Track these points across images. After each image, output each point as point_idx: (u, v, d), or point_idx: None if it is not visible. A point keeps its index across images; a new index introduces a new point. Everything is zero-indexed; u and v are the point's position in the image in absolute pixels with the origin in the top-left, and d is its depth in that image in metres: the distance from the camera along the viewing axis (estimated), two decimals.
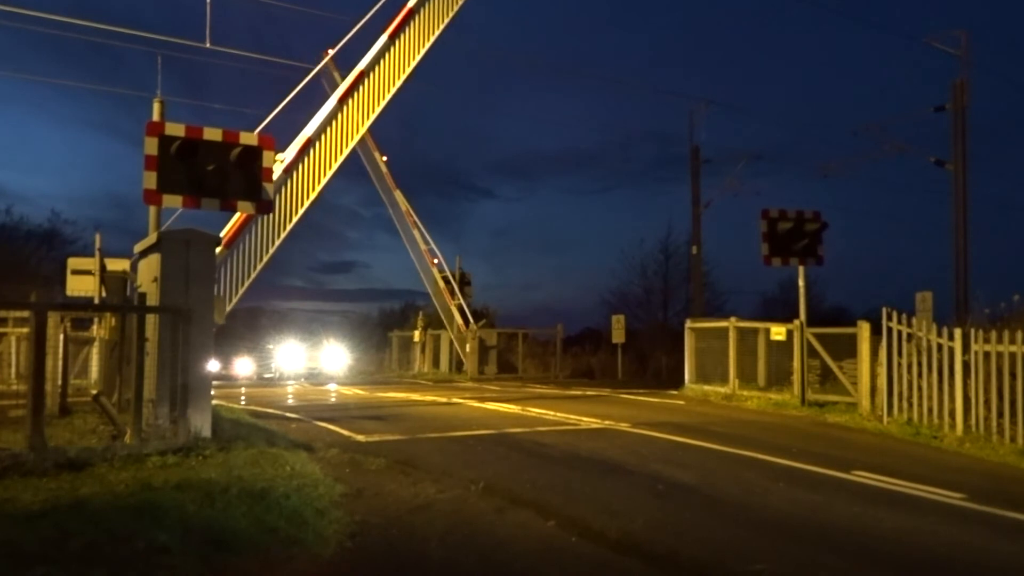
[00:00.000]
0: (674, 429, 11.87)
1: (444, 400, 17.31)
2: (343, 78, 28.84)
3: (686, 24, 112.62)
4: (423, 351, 31.57)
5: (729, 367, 17.84)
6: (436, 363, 30.70)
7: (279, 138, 15.47)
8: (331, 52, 27.60)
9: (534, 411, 14.42)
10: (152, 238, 9.29)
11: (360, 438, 10.71)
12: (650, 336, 32.83)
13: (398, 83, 20.28)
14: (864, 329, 14.10)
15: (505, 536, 5.91)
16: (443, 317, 29.99)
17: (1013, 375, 10.65)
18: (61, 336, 11.40)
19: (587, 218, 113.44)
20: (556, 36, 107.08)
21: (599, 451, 9.84)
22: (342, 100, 19.11)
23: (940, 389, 11.82)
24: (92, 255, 15.68)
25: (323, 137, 18.63)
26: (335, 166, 18.81)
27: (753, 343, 17.71)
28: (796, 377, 15.66)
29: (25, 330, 10.94)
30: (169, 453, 7.69)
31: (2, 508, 5.60)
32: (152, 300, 8.86)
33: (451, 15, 21.33)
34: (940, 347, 11.87)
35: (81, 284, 15.65)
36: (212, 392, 9.42)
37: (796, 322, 15.79)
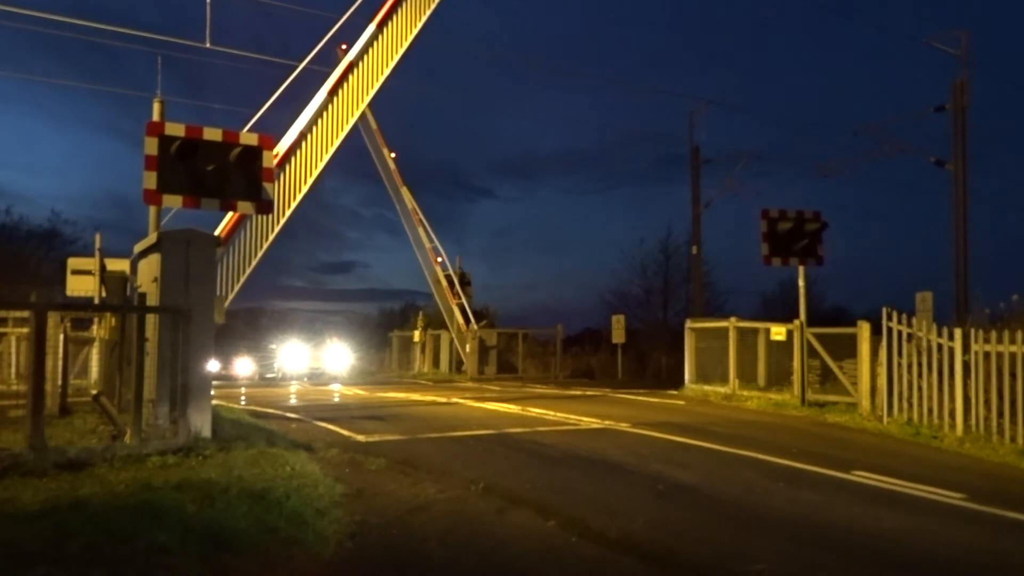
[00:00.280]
0: (674, 429, 11.87)
1: (444, 400, 17.31)
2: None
3: (686, 24, 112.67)
4: (423, 351, 31.58)
5: (729, 367, 17.84)
6: (436, 363, 30.71)
7: (276, 135, 15.49)
8: (345, 47, 27.96)
9: (534, 411, 14.42)
10: (152, 238, 9.29)
11: (360, 438, 10.71)
12: (650, 336, 32.82)
13: (387, 71, 20.27)
14: (864, 329, 14.10)
15: (505, 536, 5.91)
16: (445, 316, 30.01)
17: (1013, 375, 10.65)
18: (61, 336, 11.39)
19: (587, 218, 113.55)
20: (556, 36, 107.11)
21: (599, 451, 9.84)
22: (332, 92, 19.06)
23: (940, 389, 11.82)
24: (92, 255, 15.68)
25: (314, 129, 18.60)
26: (326, 158, 18.77)
27: (753, 343, 17.71)
28: (796, 377, 15.66)
29: (25, 330, 10.94)
30: (169, 453, 7.68)
31: (2, 508, 5.60)
32: (152, 300, 8.86)
33: (437, 1, 21.32)
34: (940, 347, 11.86)
35: (81, 284, 15.65)
36: (212, 392, 9.42)
37: (796, 322, 15.79)
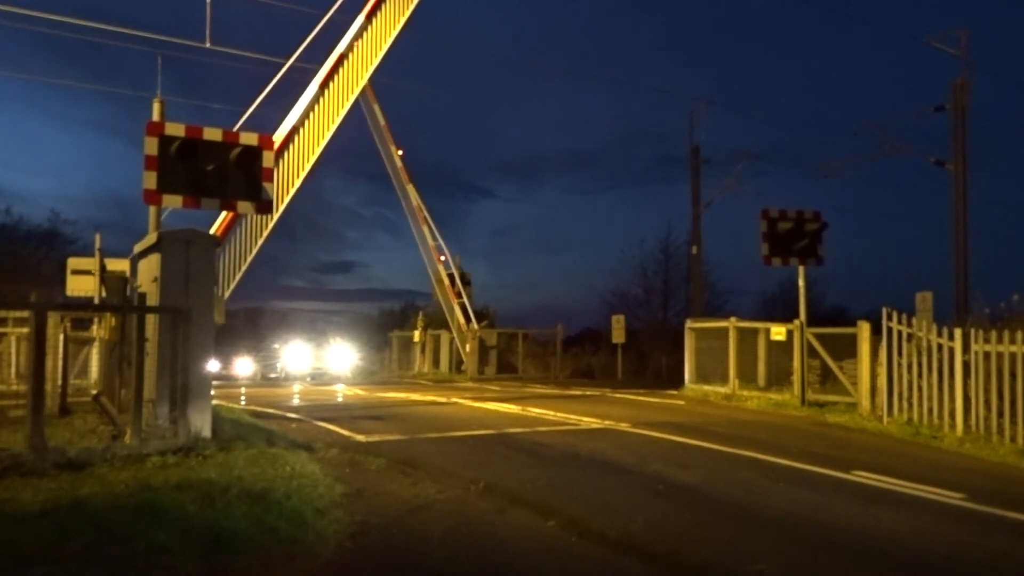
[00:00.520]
0: (674, 429, 11.87)
1: (444, 400, 17.31)
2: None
3: (686, 24, 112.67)
4: (423, 351, 31.57)
5: (729, 367, 17.84)
6: (436, 363, 30.70)
7: (270, 133, 15.45)
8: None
9: (534, 411, 14.42)
10: (152, 238, 9.29)
11: (360, 438, 10.71)
12: (650, 336, 32.81)
13: (375, 61, 20.21)
14: (864, 329, 14.10)
15: (505, 536, 5.91)
16: (446, 314, 30.03)
17: (1013, 375, 10.65)
18: (61, 336, 11.40)
19: (587, 218, 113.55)
20: (556, 36, 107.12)
21: (599, 451, 9.84)
22: (323, 85, 19.00)
23: (940, 389, 11.82)
24: (92, 255, 15.69)
25: (306, 124, 18.53)
26: (318, 151, 18.69)
27: (753, 343, 17.71)
28: (796, 377, 15.66)
29: (25, 330, 10.94)
30: (169, 453, 7.68)
31: (2, 508, 5.60)
32: (152, 300, 8.86)
33: None
34: (940, 347, 11.86)
35: (81, 284, 15.67)
36: (212, 392, 9.42)
37: (796, 322, 15.79)
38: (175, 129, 9.50)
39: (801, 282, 16.04)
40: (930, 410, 11.98)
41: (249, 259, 17.64)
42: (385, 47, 20.41)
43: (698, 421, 13.27)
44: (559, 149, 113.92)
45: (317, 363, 30.03)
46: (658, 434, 11.37)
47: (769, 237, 15.65)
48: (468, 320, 29.36)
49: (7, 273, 27.84)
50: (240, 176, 9.81)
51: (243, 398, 17.61)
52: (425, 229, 29.90)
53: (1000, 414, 10.84)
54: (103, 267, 15.12)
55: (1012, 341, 10.70)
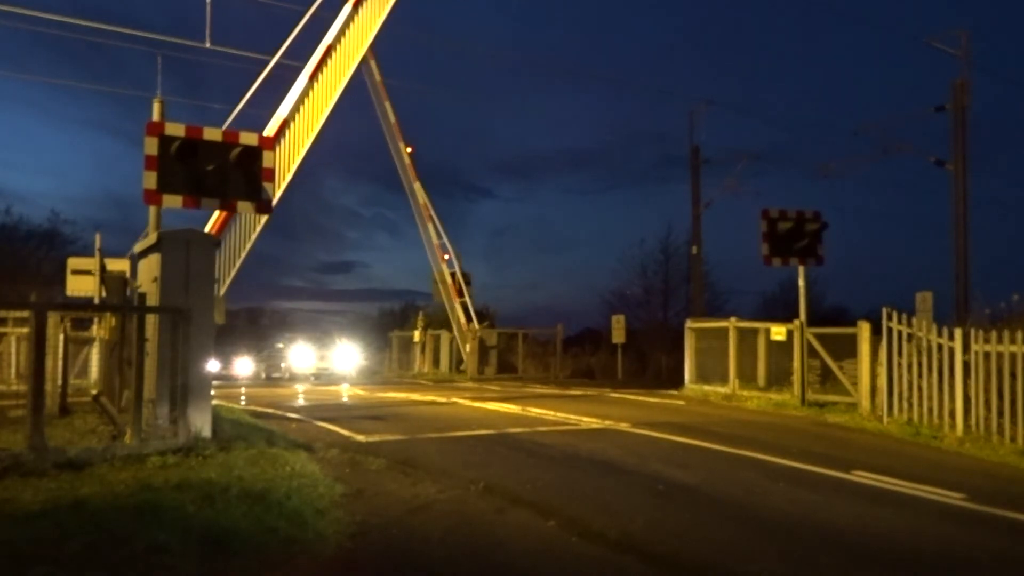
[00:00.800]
0: (674, 429, 11.87)
1: (444, 400, 17.31)
2: (379, 66, 29.60)
3: (687, 24, 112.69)
4: (423, 351, 31.56)
5: (729, 367, 17.83)
6: (436, 363, 30.70)
7: (261, 130, 15.40)
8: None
9: (534, 411, 14.42)
10: (152, 238, 9.29)
11: (360, 438, 10.71)
12: (650, 336, 32.81)
13: (363, 48, 20.16)
14: (864, 329, 14.10)
15: (505, 536, 5.91)
16: (448, 313, 30.04)
17: (1013, 375, 10.65)
18: (61, 336, 11.40)
19: (587, 218, 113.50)
20: (556, 36, 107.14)
21: (599, 451, 9.84)
22: (312, 76, 18.93)
23: (940, 389, 11.82)
24: (92, 255, 15.69)
25: (297, 117, 18.45)
26: (307, 144, 18.62)
27: (753, 343, 17.71)
28: (796, 377, 15.66)
29: (25, 330, 10.94)
30: (169, 453, 7.68)
31: (2, 508, 5.61)
32: (152, 300, 8.86)
33: None
34: (940, 347, 11.86)
35: (81, 284, 15.67)
36: (212, 392, 9.42)
37: (796, 322, 15.79)
38: (175, 129, 9.50)
39: (801, 282, 16.04)
40: (930, 410, 11.98)
41: (243, 255, 17.60)
42: (372, 34, 20.30)
43: (698, 421, 13.27)
44: (559, 149, 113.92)
45: (322, 363, 29.73)
46: (658, 434, 11.37)
47: (769, 237, 15.65)
48: (469, 319, 29.38)
49: (7, 273, 27.85)
50: (240, 176, 9.81)
51: (243, 398, 17.61)
52: (430, 227, 30.02)
53: (1000, 414, 10.84)
54: (103, 267, 15.11)
55: (1012, 341, 10.70)
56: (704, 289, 31.74)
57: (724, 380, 17.96)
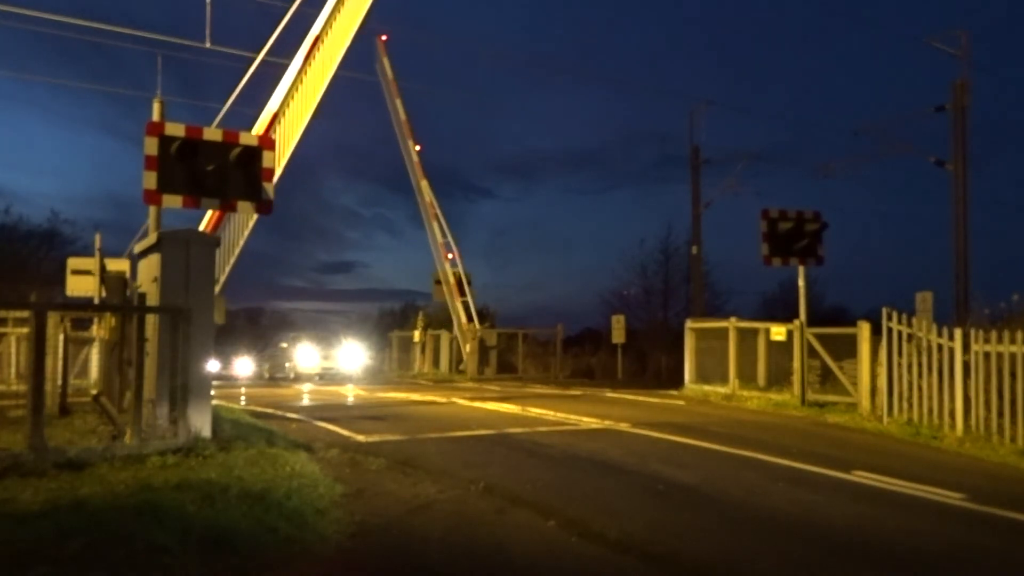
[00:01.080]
0: (674, 429, 11.87)
1: (444, 400, 17.31)
2: (392, 64, 29.67)
3: (686, 24, 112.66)
4: (423, 351, 31.55)
5: (729, 367, 17.83)
6: (436, 363, 30.69)
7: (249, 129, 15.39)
8: (385, 38, 28.47)
9: (534, 411, 14.42)
10: (152, 238, 9.29)
11: (360, 438, 10.71)
12: (650, 336, 32.81)
13: (350, 36, 20.10)
14: (864, 329, 14.10)
15: (505, 536, 5.91)
16: (451, 312, 30.05)
17: (1013, 375, 10.65)
18: (61, 336, 11.40)
19: (587, 218, 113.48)
20: (556, 36, 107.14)
21: (599, 451, 9.84)
22: (301, 69, 18.89)
23: (940, 389, 11.83)
24: (92, 255, 15.69)
25: (287, 111, 18.39)
26: (296, 137, 18.58)
27: (753, 343, 17.70)
28: (796, 377, 15.66)
29: (25, 330, 10.94)
30: (169, 453, 7.68)
31: (2, 508, 5.60)
32: (152, 300, 8.86)
33: None
34: (940, 347, 11.86)
35: (81, 284, 15.67)
36: (212, 392, 9.42)
37: (796, 322, 15.79)
38: (175, 129, 9.50)
39: (801, 282, 16.04)
40: (930, 410, 11.98)
41: (236, 252, 17.57)
42: (358, 22, 20.21)
43: (698, 421, 13.27)
44: (559, 149, 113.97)
45: (327, 362, 29.18)
46: (658, 434, 11.37)
47: (769, 237, 15.65)
48: (470, 319, 29.39)
49: (7, 273, 27.87)
50: (240, 176, 9.81)
51: (243, 398, 17.61)
52: (435, 225, 30.09)
53: (1000, 414, 10.84)
54: (103, 267, 15.11)
55: (1012, 341, 10.70)
56: (704, 289, 31.74)
57: (724, 380, 17.96)
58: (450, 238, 30.16)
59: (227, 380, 26.19)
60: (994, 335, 11.02)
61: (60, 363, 11.22)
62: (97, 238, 15.44)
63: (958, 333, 11.57)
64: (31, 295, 12.65)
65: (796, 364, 15.67)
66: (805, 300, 15.95)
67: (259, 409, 14.45)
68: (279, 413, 14.09)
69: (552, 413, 14.04)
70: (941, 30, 31.98)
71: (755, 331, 17.85)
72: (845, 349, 14.72)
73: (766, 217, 15.71)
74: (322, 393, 20.44)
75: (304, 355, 29.18)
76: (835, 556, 5.64)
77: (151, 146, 9.30)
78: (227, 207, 10.22)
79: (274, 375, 28.85)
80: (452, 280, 29.93)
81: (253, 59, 18.64)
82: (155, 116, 11.11)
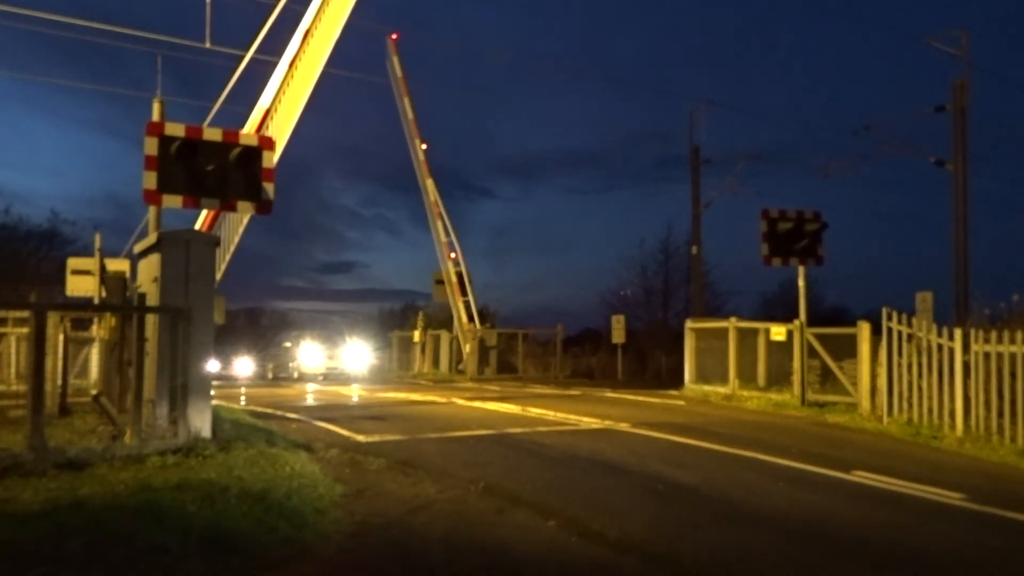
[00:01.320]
0: (674, 429, 11.87)
1: (444, 400, 17.31)
2: (402, 63, 29.82)
3: (686, 24, 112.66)
4: (423, 351, 31.53)
5: (729, 367, 17.83)
6: (436, 363, 30.68)
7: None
8: (395, 37, 28.60)
9: (534, 411, 14.42)
10: (152, 238, 9.29)
11: (360, 438, 10.71)
12: (650, 336, 32.81)
13: (338, 29, 20.11)
14: (864, 329, 14.10)
15: (505, 536, 5.91)
16: (453, 311, 30.06)
17: (1013, 375, 10.65)
18: (61, 336, 11.40)
19: (587, 218, 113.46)
20: (556, 36, 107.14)
21: (599, 451, 9.84)
22: (292, 63, 18.86)
23: (940, 389, 11.82)
24: (92, 255, 15.68)
25: (279, 108, 18.35)
26: (288, 132, 18.54)
27: (753, 343, 17.70)
28: (796, 377, 15.66)
29: (25, 330, 10.94)
30: (169, 453, 7.68)
31: (2, 508, 5.60)
32: (152, 300, 8.86)
33: None
34: (940, 347, 11.86)
35: (81, 284, 15.67)
36: (212, 392, 9.42)
37: (796, 322, 15.79)
38: (175, 129, 9.50)
39: (801, 282, 16.04)
40: (930, 410, 11.98)
41: (232, 249, 17.55)
42: (345, 15, 20.21)
43: (698, 421, 13.27)
44: (559, 149, 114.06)
45: (331, 362, 28.79)
46: (658, 434, 11.37)
47: (769, 237, 15.65)
48: (471, 319, 29.39)
49: (7, 273, 27.87)
50: (240, 176, 9.81)
51: (243, 398, 17.61)
52: (439, 224, 30.15)
53: (1000, 414, 10.84)
54: (103, 267, 15.10)
55: (1012, 341, 10.70)
56: (704, 289, 31.73)
57: (724, 380, 17.96)
58: (453, 237, 30.24)
59: (227, 380, 26.16)
60: (994, 335, 11.02)
61: (60, 363, 11.21)
62: (97, 238, 15.42)
63: (958, 333, 11.57)
64: (31, 295, 12.65)
65: (796, 364, 15.66)
66: (805, 300, 15.95)
67: (259, 409, 14.45)
68: (279, 413, 14.09)
69: (552, 413, 14.03)
70: (941, 30, 31.98)
71: (755, 331, 17.85)
72: (845, 349, 14.72)
73: (766, 217, 15.71)
74: (323, 393, 20.43)
75: (308, 355, 28.77)
76: (835, 556, 5.64)
77: (151, 146, 9.30)
78: (227, 207, 10.22)
79: (277, 375, 28.64)
80: (455, 279, 29.95)
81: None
82: (155, 116, 11.12)
